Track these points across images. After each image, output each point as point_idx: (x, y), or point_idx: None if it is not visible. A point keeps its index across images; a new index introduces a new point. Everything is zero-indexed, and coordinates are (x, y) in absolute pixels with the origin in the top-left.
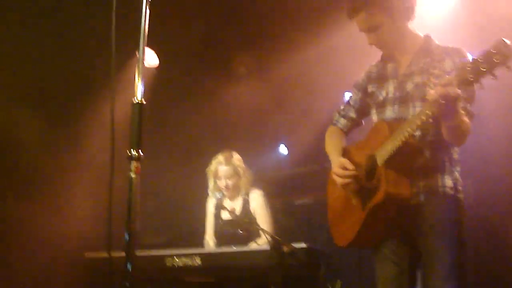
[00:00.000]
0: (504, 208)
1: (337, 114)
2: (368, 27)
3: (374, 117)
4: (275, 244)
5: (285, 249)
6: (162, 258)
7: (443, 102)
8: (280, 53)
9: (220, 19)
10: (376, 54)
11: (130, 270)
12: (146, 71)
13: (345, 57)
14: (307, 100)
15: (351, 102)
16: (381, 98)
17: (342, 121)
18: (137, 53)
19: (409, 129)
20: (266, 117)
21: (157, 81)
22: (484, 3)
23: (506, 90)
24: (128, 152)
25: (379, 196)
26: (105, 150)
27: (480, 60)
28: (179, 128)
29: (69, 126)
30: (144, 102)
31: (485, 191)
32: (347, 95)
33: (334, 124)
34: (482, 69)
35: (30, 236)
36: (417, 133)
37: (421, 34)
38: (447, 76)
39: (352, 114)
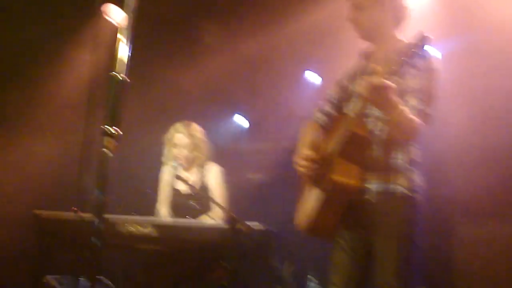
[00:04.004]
0: (454, 208)
1: (316, 110)
2: (356, 3)
3: (345, 110)
4: (231, 222)
5: (241, 227)
6: (115, 224)
7: (369, 89)
8: (248, 27)
9: None
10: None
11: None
12: (111, 29)
13: (308, 39)
14: (269, 77)
15: (329, 98)
16: (351, 92)
17: (319, 116)
18: (102, 9)
19: (350, 120)
20: (229, 90)
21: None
22: None
23: (458, 91)
24: (103, 127)
25: (327, 185)
26: (62, 108)
27: (403, 52)
28: (138, 97)
29: (25, 84)
30: (125, 77)
31: (436, 191)
32: (307, 74)
33: (312, 119)
34: (403, 59)
35: None
36: (369, 127)
37: (406, 41)
38: (375, 66)
39: (329, 109)
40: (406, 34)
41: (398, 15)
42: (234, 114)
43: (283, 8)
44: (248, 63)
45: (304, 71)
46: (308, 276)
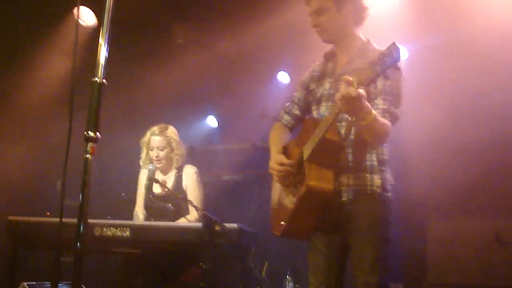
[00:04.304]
0: (424, 205)
1: (282, 111)
2: (316, 9)
3: (314, 113)
4: (207, 223)
5: (217, 228)
6: (91, 226)
7: (344, 100)
8: (221, 29)
9: None
10: (318, 51)
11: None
12: (82, 31)
13: (280, 40)
14: (242, 77)
15: (295, 100)
16: (318, 95)
17: (286, 118)
18: (74, 11)
19: (323, 127)
20: (202, 91)
21: (94, 47)
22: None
23: (429, 91)
24: (85, 133)
25: (302, 189)
26: (38, 109)
27: (375, 61)
28: (113, 99)
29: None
30: (105, 82)
31: (407, 189)
32: (281, 75)
33: (279, 120)
34: (377, 69)
35: None
36: (342, 131)
37: (364, 39)
38: (348, 77)
39: (296, 111)
40: (375, 35)
41: (358, 16)
42: (207, 115)
43: (255, 9)
44: (221, 64)
45: (277, 71)
46: (287, 276)
